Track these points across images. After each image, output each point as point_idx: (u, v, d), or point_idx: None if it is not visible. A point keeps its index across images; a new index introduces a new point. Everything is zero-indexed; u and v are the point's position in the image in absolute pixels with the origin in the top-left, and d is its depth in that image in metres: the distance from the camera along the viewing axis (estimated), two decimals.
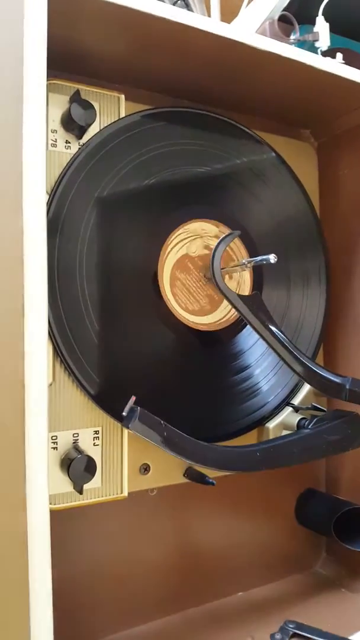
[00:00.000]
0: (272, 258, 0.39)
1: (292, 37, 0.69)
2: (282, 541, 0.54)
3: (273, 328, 0.43)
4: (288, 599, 0.49)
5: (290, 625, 0.43)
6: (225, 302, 0.47)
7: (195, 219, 0.47)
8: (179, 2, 0.79)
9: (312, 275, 0.53)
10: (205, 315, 0.47)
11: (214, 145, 0.49)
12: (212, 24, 0.40)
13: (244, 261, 0.43)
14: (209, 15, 0.83)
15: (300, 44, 0.69)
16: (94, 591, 0.45)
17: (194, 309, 0.46)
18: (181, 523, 0.49)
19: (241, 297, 0.42)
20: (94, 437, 0.43)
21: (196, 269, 0.46)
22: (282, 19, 0.70)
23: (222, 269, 0.43)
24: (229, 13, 0.86)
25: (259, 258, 0.41)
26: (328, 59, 0.46)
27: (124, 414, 0.39)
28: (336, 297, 0.54)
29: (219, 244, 0.42)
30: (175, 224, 0.46)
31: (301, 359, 0.45)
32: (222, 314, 0.48)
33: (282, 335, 0.44)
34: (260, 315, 0.43)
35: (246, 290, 0.49)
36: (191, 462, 0.41)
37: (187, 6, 0.80)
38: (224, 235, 0.42)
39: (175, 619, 0.47)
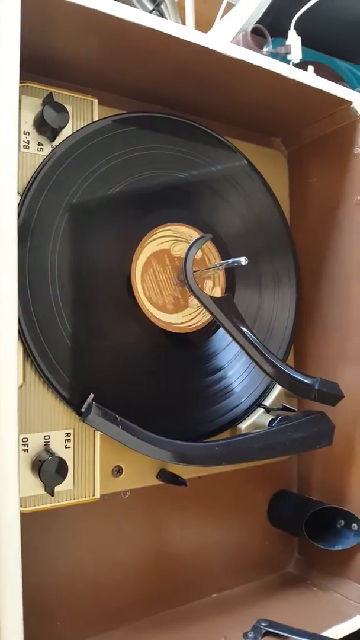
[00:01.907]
0: (243, 260, 0.40)
1: (265, 49, 0.71)
2: (255, 543, 0.54)
3: (244, 329, 0.44)
4: (261, 599, 0.50)
5: (263, 624, 0.44)
6: (187, 309, 0.48)
7: (169, 222, 0.47)
8: (153, 11, 0.81)
9: (283, 279, 0.54)
10: (166, 314, 0.47)
11: (186, 151, 0.50)
12: (186, 32, 0.41)
13: (216, 264, 0.44)
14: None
15: (273, 56, 0.70)
16: (65, 596, 0.44)
17: (157, 302, 0.46)
18: (154, 525, 0.49)
19: (213, 298, 0.43)
20: (65, 439, 0.42)
21: (172, 268, 0.47)
22: (256, 31, 0.72)
23: (195, 271, 0.43)
24: (204, 24, 0.88)
25: (230, 260, 0.42)
26: (296, 68, 0.47)
27: (82, 410, 0.41)
28: (305, 301, 0.55)
29: (191, 246, 0.42)
30: (148, 227, 0.47)
31: (272, 360, 0.45)
32: (182, 319, 0.48)
33: (253, 336, 0.44)
34: (231, 316, 0.43)
35: (218, 293, 0.50)
36: (148, 454, 0.42)
37: (162, 16, 0.81)
38: (196, 238, 0.43)
39: (148, 622, 0.47)
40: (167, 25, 0.40)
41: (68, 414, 0.42)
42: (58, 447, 0.42)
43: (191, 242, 0.43)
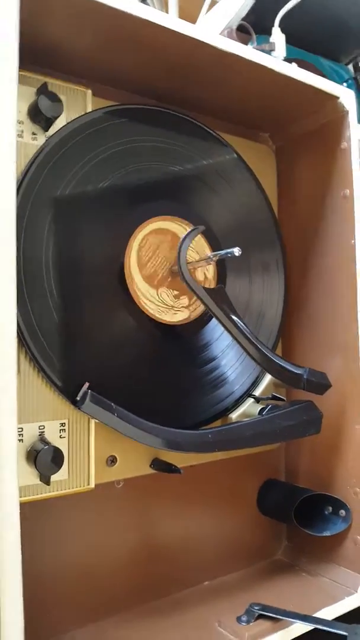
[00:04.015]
0: (237, 251, 0.41)
1: (250, 46, 0.72)
2: (246, 531, 0.55)
3: (236, 319, 0.45)
4: (253, 585, 0.51)
5: (256, 607, 0.44)
6: (180, 300, 0.48)
7: (160, 215, 0.48)
8: None
9: (271, 271, 0.55)
10: (158, 304, 0.48)
11: (178, 143, 0.50)
12: (178, 23, 0.41)
13: (209, 255, 0.45)
14: None
15: None
16: (59, 585, 0.44)
17: (150, 293, 0.47)
18: (147, 514, 0.50)
19: (206, 289, 0.44)
20: (60, 430, 0.43)
21: (165, 259, 0.47)
22: (240, 28, 0.72)
23: (188, 262, 0.44)
24: (187, 19, 0.88)
25: (223, 252, 0.43)
26: (285, 62, 0.48)
27: (77, 398, 0.41)
28: (293, 293, 0.56)
29: (184, 238, 0.43)
30: (141, 218, 0.47)
31: (263, 350, 0.46)
32: (175, 310, 0.48)
33: (245, 326, 0.45)
34: (224, 307, 0.44)
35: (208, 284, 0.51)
36: (142, 441, 0.42)
37: None
38: (189, 230, 0.43)
39: (143, 610, 0.47)
40: (159, 17, 0.40)
41: (63, 404, 0.42)
42: (53, 437, 0.42)
43: (184, 234, 0.43)
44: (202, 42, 0.42)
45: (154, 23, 0.40)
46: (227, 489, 0.54)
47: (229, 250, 0.42)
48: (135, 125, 0.48)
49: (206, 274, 0.50)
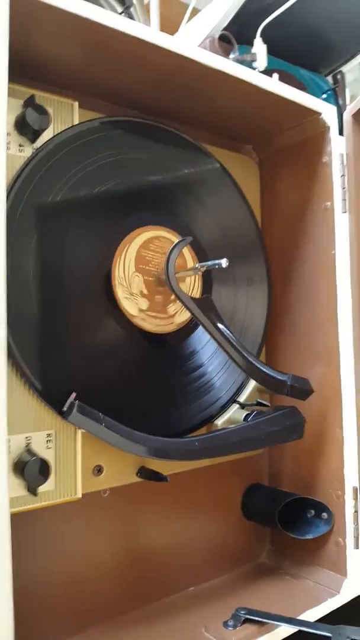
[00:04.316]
0: (224, 262, 0.42)
1: (232, 56, 0.73)
2: (230, 535, 0.56)
3: (223, 328, 0.46)
4: (238, 589, 0.51)
5: (242, 612, 0.45)
6: (167, 308, 0.49)
7: (147, 226, 0.48)
8: (122, 14, 0.81)
9: (255, 280, 0.56)
10: (145, 313, 0.48)
11: (165, 155, 0.51)
12: (163, 38, 0.41)
13: (196, 266, 0.45)
14: None
15: (239, 63, 0.73)
16: (46, 595, 0.44)
17: (137, 303, 0.47)
18: (132, 522, 0.50)
19: (194, 299, 0.44)
20: (47, 440, 0.43)
21: (152, 269, 0.48)
22: (222, 38, 0.74)
23: (176, 272, 0.44)
24: (168, 28, 0.89)
25: (210, 262, 0.43)
26: (268, 77, 0.49)
27: (64, 409, 0.41)
28: (276, 302, 0.58)
29: (173, 248, 0.44)
30: (127, 229, 0.47)
31: (249, 358, 0.47)
32: (162, 319, 0.49)
33: (231, 335, 0.46)
34: (211, 316, 0.45)
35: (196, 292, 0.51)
36: (130, 451, 0.43)
37: (131, 18, 0.82)
38: (177, 241, 0.44)
39: (130, 617, 0.48)
40: (144, 31, 0.40)
41: (49, 415, 0.42)
42: (39, 447, 0.42)
43: (172, 244, 0.44)
44: (186, 57, 0.43)
45: (136, 37, 0.40)
46: (211, 494, 0.55)
47: (216, 261, 0.42)
48: (122, 138, 0.48)
49: (192, 282, 0.51)
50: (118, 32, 0.39)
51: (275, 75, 0.75)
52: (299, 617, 0.45)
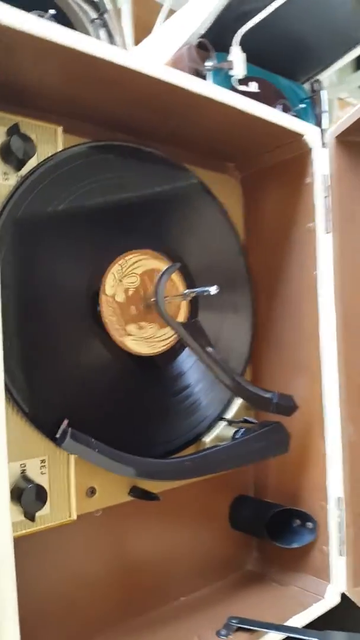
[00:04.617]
0: (213, 290, 0.43)
1: (209, 63, 0.73)
2: (218, 546, 0.58)
3: (211, 351, 0.47)
4: (227, 598, 0.53)
5: (234, 621, 0.47)
6: (153, 332, 0.50)
7: (134, 249, 0.49)
8: (97, 20, 0.80)
9: (240, 300, 0.57)
10: (133, 337, 0.49)
11: (149, 179, 0.51)
12: (141, 62, 0.41)
13: (185, 292, 0.46)
14: (123, 35, 0.84)
15: (216, 71, 0.72)
16: (41, 615, 0.45)
17: (124, 327, 0.48)
18: (123, 538, 0.51)
19: (183, 324, 0.45)
20: (41, 466, 0.43)
21: (139, 293, 0.49)
22: (200, 45, 0.73)
23: (165, 297, 0.45)
24: (142, 28, 0.88)
25: (199, 289, 0.44)
26: (251, 100, 0.49)
27: (57, 436, 0.42)
28: (261, 319, 0.59)
29: (162, 275, 0.44)
30: (114, 254, 0.48)
31: (236, 379, 0.49)
32: (149, 342, 0.50)
33: (218, 356, 0.47)
34: (200, 340, 0.46)
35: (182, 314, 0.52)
36: (124, 474, 0.44)
37: (105, 24, 0.81)
38: (167, 267, 0.45)
39: (123, 630, 0.49)
40: (123, 57, 0.40)
41: (42, 441, 0.43)
42: (34, 474, 0.43)
43: (162, 271, 0.45)
44: (166, 82, 0.43)
45: (113, 62, 0.39)
46: (199, 506, 0.57)
47: (205, 288, 0.43)
48: (105, 162, 0.48)
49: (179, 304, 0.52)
50: (94, 58, 0.39)
51: (254, 84, 0.76)
52: (287, 623, 0.47)
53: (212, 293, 0.43)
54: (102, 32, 0.79)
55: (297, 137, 0.52)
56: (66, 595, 0.47)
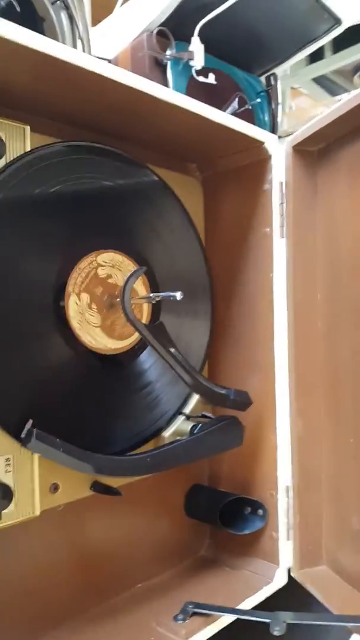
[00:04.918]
0: (179, 295, 0.44)
1: (168, 52, 0.73)
2: (174, 533, 0.61)
3: (174, 352, 0.49)
4: (182, 583, 0.56)
5: (190, 606, 0.50)
6: (117, 331, 0.51)
7: (100, 249, 0.49)
8: (57, 2, 0.78)
9: (200, 308, 0.59)
10: (96, 337, 0.50)
11: (114, 180, 0.51)
12: (105, 67, 0.41)
13: (150, 295, 0.47)
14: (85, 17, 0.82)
15: (176, 61, 0.72)
16: (4, 606, 0.47)
17: (88, 326, 0.48)
18: (84, 529, 0.53)
19: (147, 326, 0.47)
20: (5, 465, 0.44)
21: (103, 293, 0.49)
22: (160, 33, 0.73)
23: (131, 298, 0.46)
24: (101, 8, 0.85)
25: (165, 294, 0.46)
26: (212, 108, 0.50)
27: (22, 436, 0.43)
28: (219, 318, 0.61)
29: (129, 278, 0.45)
30: (80, 253, 0.48)
31: (196, 377, 0.51)
32: (113, 341, 0.51)
33: (182, 358, 0.49)
34: (163, 342, 0.48)
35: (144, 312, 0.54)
36: (88, 472, 0.45)
37: (67, 7, 0.79)
38: (134, 270, 0.46)
39: (84, 619, 0.51)
40: (87, 61, 0.40)
41: (6, 440, 0.43)
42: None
43: (129, 274, 0.46)
44: (129, 87, 0.43)
45: (77, 66, 0.40)
46: (157, 497, 0.59)
47: (171, 293, 0.45)
48: (72, 163, 0.48)
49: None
50: (58, 60, 0.39)
51: (212, 75, 0.76)
52: (240, 605, 0.51)
53: (177, 298, 0.45)
54: (63, 14, 0.77)
55: (256, 144, 0.54)
56: (28, 586, 0.48)
